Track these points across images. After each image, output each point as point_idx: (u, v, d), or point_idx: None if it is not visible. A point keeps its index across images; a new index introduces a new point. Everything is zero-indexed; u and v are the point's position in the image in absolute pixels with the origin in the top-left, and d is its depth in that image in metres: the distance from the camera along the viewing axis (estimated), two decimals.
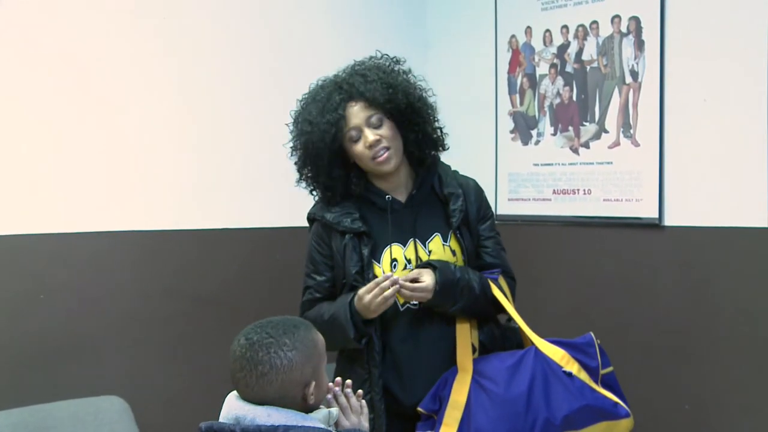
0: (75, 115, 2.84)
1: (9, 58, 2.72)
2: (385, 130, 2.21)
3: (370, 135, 2.19)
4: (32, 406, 2.44)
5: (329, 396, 1.76)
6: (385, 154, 2.20)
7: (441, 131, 2.34)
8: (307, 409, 1.65)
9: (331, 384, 1.77)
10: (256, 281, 3.23)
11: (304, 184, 2.36)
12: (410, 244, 2.25)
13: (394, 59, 2.31)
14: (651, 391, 3.01)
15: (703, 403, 2.92)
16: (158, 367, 2.98)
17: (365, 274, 2.20)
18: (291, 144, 2.33)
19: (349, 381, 1.81)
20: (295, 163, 2.33)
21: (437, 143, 2.34)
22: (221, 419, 1.64)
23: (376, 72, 2.24)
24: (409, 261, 2.23)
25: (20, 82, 2.73)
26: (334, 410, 1.72)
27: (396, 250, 2.24)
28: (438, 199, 2.32)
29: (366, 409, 1.81)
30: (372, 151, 2.19)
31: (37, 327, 2.73)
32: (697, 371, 2.93)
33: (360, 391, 1.83)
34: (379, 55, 2.32)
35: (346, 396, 1.79)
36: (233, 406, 1.63)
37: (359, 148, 2.21)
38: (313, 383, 1.64)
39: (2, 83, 2.70)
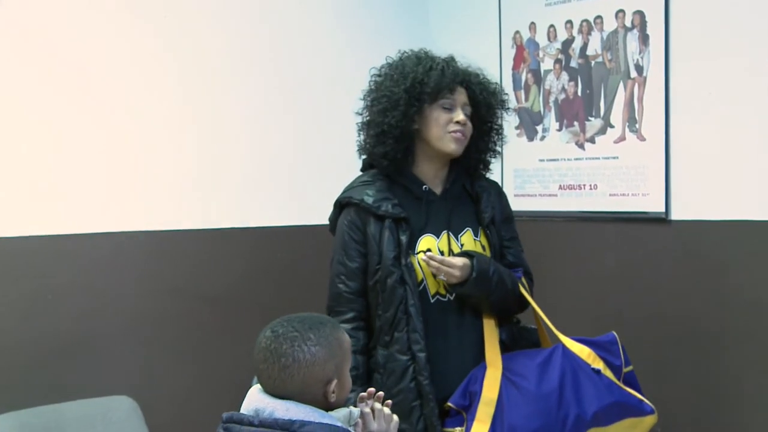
0: (77, 117, 2.83)
1: (10, 58, 2.71)
2: (470, 125, 2.30)
3: (461, 115, 2.26)
4: (41, 407, 2.44)
5: (362, 403, 1.75)
6: (463, 137, 2.27)
7: (490, 162, 2.45)
8: (328, 407, 1.63)
9: (363, 393, 1.76)
10: (260, 280, 3.22)
11: (366, 127, 2.33)
12: (443, 236, 2.27)
13: (499, 86, 2.45)
14: (658, 384, 2.99)
15: (709, 397, 2.91)
16: (166, 366, 2.98)
17: (401, 261, 2.20)
18: (380, 78, 2.32)
19: (381, 393, 1.79)
20: (379, 98, 2.29)
21: (487, 163, 2.44)
22: (242, 410, 1.64)
23: (485, 82, 2.37)
24: (442, 253, 2.25)
25: (21, 82, 2.72)
26: (356, 410, 1.70)
27: (429, 241, 2.26)
28: (469, 196, 2.37)
29: (396, 419, 1.78)
30: (455, 127, 2.25)
31: (44, 328, 2.73)
32: (705, 365, 2.93)
33: (389, 402, 1.81)
34: (480, 70, 2.41)
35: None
36: (254, 399, 1.63)
37: (446, 116, 2.25)
38: (335, 381, 1.62)
39: (3, 84, 2.70)
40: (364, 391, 1.79)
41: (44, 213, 2.76)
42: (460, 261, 2.18)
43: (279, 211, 3.31)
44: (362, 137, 2.35)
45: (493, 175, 3.28)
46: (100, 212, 2.87)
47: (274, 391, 1.61)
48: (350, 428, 1.67)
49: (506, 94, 2.44)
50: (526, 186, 3.46)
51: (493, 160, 2.44)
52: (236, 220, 3.20)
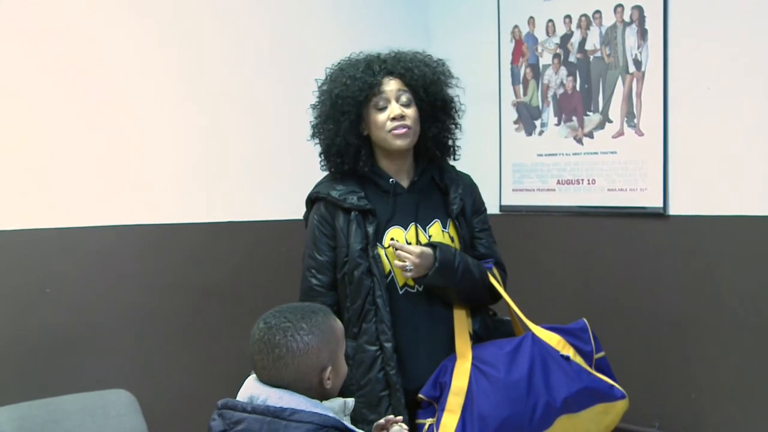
0: (79, 110, 2.84)
1: (12, 53, 2.71)
2: (411, 112, 2.27)
3: (396, 108, 2.24)
4: (40, 400, 2.45)
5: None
6: (405, 130, 2.24)
7: (455, 142, 2.41)
8: (325, 395, 1.67)
9: (381, 421, 1.82)
10: (260, 273, 3.23)
11: (318, 147, 2.36)
12: (411, 227, 2.29)
13: (439, 60, 2.37)
14: (656, 379, 3.01)
15: (708, 392, 2.92)
16: (164, 359, 2.99)
17: (369, 253, 2.22)
18: (317, 99, 2.35)
19: (400, 417, 1.84)
20: (315, 119, 2.34)
21: (450, 150, 2.41)
22: (238, 398, 1.67)
23: (419, 61, 2.32)
24: (409, 244, 2.25)
25: (23, 76, 2.73)
26: (350, 400, 1.73)
27: (397, 233, 2.27)
28: (438, 188, 2.37)
29: None
30: (393, 123, 2.24)
31: (44, 321, 2.74)
32: (702, 360, 2.94)
33: (400, 417, 1.85)
34: (422, 52, 2.37)
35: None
36: (249, 386, 1.66)
37: (381, 116, 2.25)
38: (329, 368, 1.65)
39: (5, 79, 2.70)
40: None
41: (42, 206, 2.76)
42: (417, 249, 2.19)
43: (279, 205, 3.31)
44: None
45: (491, 168, 3.29)
46: (98, 205, 2.88)
47: (269, 380, 1.64)
48: (346, 417, 1.69)
49: (446, 69, 2.36)
50: (524, 180, 3.46)
51: (453, 139, 2.39)
52: (235, 213, 3.21)
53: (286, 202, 3.31)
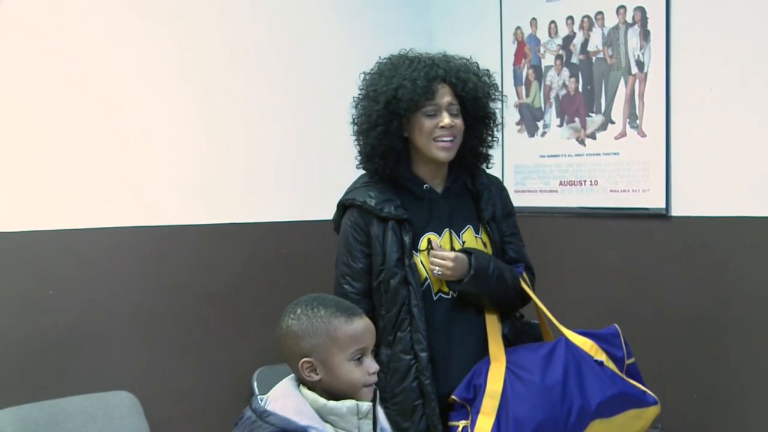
0: (81, 112, 2.85)
1: (14, 55, 2.72)
2: (460, 123, 2.26)
3: (447, 118, 2.22)
4: (43, 402, 2.46)
5: None
6: (450, 143, 2.24)
7: (488, 151, 2.41)
8: (330, 392, 1.66)
9: None
10: (262, 275, 3.23)
11: (357, 144, 2.32)
12: (445, 233, 2.29)
13: (486, 70, 2.36)
14: (659, 380, 2.99)
15: (711, 393, 2.92)
16: (167, 361, 2.99)
17: (405, 262, 2.21)
18: (361, 94, 2.31)
19: None
20: (361, 117, 2.29)
21: (486, 158, 2.41)
22: None
23: (472, 71, 2.31)
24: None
25: (26, 77, 2.74)
26: (364, 404, 1.68)
27: (431, 239, 2.26)
28: (470, 193, 2.37)
29: None
30: (441, 132, 2.22)
31: (46, 323, 2.75)
32: (705, 361, 2.93)
33: None
34: (471, 59, 2.36)
35: None
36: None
37: (430, 123, 2.23)
38: (310, 361, 1.64)
39: (7, 79, 2.71)
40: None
41: (45, 208, 2.77)
42: (452, 254, 2.20)
43: (281, 207, 3.32)
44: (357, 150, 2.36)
45: (494, 170, 3.28)
46: (101, 207, 2.89)
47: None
48: (363, 420, 1.66)
49: (494, 82, 2.36)
50: (526, 182, 3.46)
51: (491, 151, 2.41)
52: (238, 215, 3.21)
53: (288, 203, 3.33)
